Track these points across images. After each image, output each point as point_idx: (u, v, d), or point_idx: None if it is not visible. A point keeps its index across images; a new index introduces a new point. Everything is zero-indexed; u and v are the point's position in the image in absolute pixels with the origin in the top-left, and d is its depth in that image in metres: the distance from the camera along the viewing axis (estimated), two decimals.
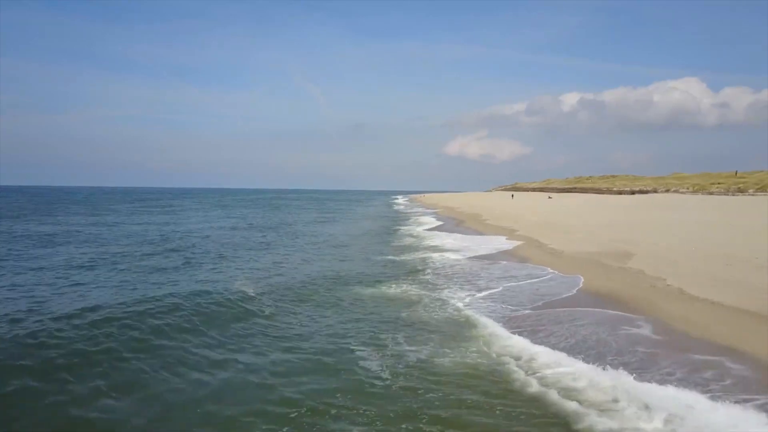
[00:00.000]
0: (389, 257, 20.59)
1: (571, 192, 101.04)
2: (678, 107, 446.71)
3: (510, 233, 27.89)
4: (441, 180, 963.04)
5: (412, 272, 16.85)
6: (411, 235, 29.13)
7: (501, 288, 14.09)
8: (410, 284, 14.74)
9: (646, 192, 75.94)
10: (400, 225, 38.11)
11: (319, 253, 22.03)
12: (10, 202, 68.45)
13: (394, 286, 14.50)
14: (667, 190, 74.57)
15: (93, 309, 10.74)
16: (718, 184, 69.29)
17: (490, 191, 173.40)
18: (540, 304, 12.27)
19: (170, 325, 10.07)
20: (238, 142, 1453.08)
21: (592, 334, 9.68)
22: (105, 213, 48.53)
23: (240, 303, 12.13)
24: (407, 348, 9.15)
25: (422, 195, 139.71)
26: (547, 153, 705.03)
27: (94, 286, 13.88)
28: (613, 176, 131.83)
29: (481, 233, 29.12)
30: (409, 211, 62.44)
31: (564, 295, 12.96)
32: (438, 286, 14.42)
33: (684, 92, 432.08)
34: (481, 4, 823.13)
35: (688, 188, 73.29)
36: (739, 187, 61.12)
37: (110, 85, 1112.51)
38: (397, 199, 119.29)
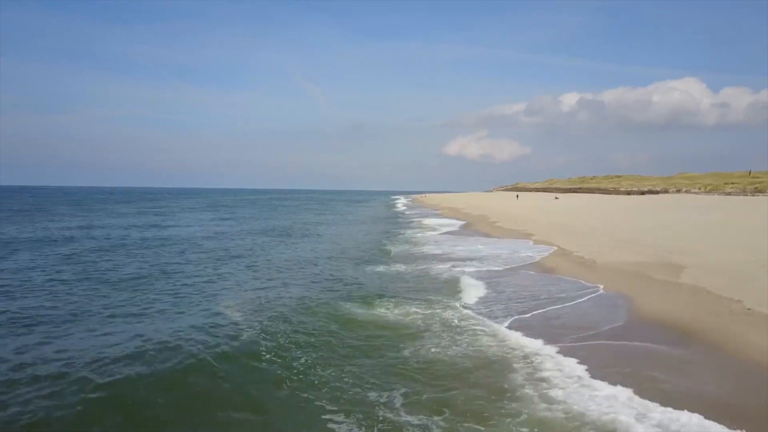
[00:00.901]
0: (395, 267, 17.94)
1: (576, 192, 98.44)
2: (678, 107, 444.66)
3: (526, 238, 25.24)
4: (441, 180, 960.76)
5: (421, 288, 14.20)
6: (415, 242, 26.46)
7: (540, 312, 11.44)
8: (421, 304, 12.07)
9: (656, 192, 73.33)
10: (404, 229, 35.46)
11: (314, 262, 19.37)
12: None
13: (402, 305, 11.84)
14: (678, 191, 71.95)
15: None
16: (732, 184, 66.69)
17: (491, 191, 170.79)
18: (591, 333, 9.64)
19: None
20: (238, 142, 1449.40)
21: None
22: (93, 214, 45.81)
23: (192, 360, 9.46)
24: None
25: (423, 195, 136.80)
26: (547, 153, 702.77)
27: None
28: (618, 176, 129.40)
29: (495, 238, 26.45)
30: (410, 212, 59.77)
31: (617, 323, 10.31)
32: (451, 306, 11.78)
33: (684, 92, 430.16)
34: (481, 5, 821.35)
35: (699, 188, 70.69)
36: (756, 187, 58.47)
37: (110, 85, 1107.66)
38: (398, 199, 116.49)
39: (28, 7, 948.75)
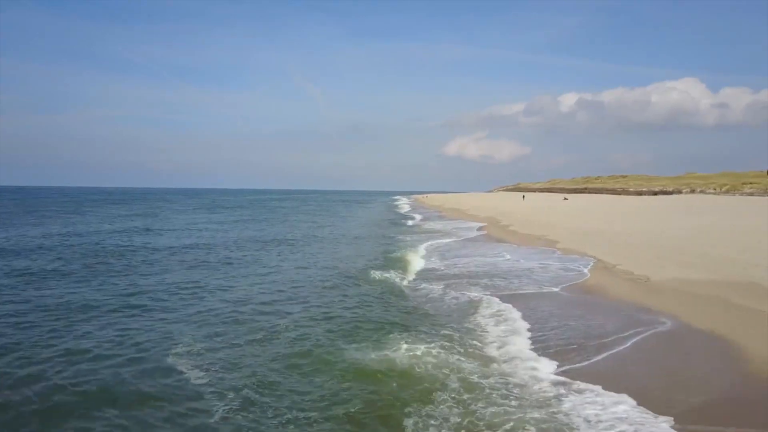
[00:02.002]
0: (403, 286, 14.86)
1: (582, 193, 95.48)
2: (677, 107, 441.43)
3: (550, 245, 22.17)
4: (440, 180, 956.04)
5: (438, 320, 11.12)
6: (426, 254, 23.38)
7: (602, 358, 8.37)
8: (438, 342, 8.97)
9: (668, 192, 70.34)
10: (409, 235, 32.39)
11: (308, 283, 16.28)
12: None
13: (415, 342, 8.74)
14: (692, 191, 68.94)
15: None
16: (751, 184, 63.72)
17: (492, 191, 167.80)
18: (701, 400, 6.57)
19: None
20: (238, 142, 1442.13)
21: None
22: (80, 217, 42.65)
23: None
24: None
25: (425, 196, 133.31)
26: (547, 153, 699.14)
27: None
28: (623, 176, 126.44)
29: (513, 245, 23.37)
30: (415, 214, 56.73)
31: (733, 387, 7.23)
32: (476, 349, 8.70)
33: (683, 92, 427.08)
34: (480, 5, 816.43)
35: (714, 188, 67.72)
36: None
37: (110, 86, 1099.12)
38: (399, 200, 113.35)
39: (27, 8, 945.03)
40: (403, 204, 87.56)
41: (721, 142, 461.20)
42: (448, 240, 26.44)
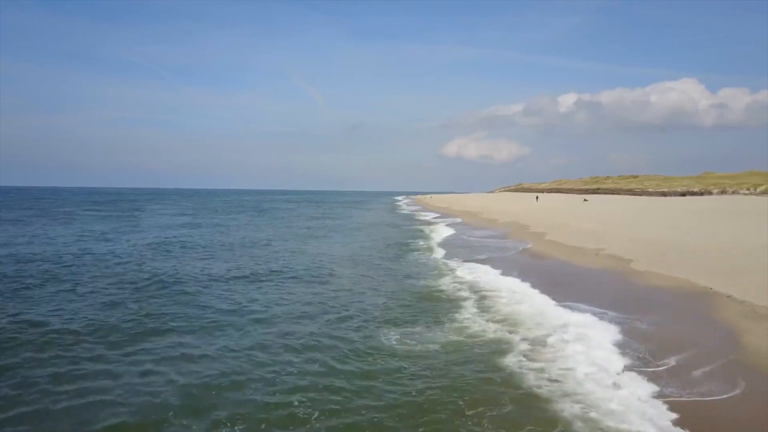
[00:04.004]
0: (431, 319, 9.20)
1: (596, 193, 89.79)
2: (676, 108, 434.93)
3: (621, 264, 16.50)
4: (440, 181, 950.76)
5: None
6: (457, 286, 17.69)
7: None
8: None
9: (697, 193, 64.70)
10: (426, 252, 26.72)
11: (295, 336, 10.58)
12: None
13: None
14: (722, 191, 63.34)
15: None
16: None
17: (494, 192, 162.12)
18: None
19: None
20: (237, 143, 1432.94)
21: None
22: (42, 221, 36.86)
23: None
24: None
25: (430, 196, 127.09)
26: (546, 154, 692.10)
27: None
28: (634, 176, 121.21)
29: (580, 267, 17.69)
30: (424, 218, 51.03)
31: None
32: None
33: (682, 93, 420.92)
34: (479, 5, 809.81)
35: (747, 188, 62.20)
36: None
37: (110, 86, 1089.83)
38: (400, 200, 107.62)
39: (26, 8, 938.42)
40: (410, 207, 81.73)
41: (720, 143, 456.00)
42: (483, 267, 20.61)
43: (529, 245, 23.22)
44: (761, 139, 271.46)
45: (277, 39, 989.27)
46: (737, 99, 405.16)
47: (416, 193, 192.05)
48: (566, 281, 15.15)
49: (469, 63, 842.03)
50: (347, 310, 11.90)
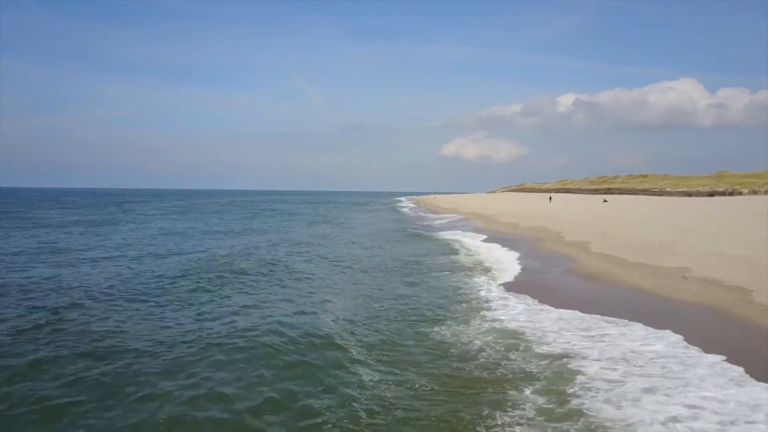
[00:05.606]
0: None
1: (608, 193, 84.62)
2: (674, 108, 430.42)
3: (735, 297, 11.33)
4: (439, 181, 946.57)
5: None
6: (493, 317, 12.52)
7: None
8: None
9: (725, 194, 59.57)
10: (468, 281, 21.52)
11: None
12: None
13: None
14: (754, 192, 58.25)
15: None
16: None
17: (495, 192, 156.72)
18: None
19: None
20: (237, 143, 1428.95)
21: None
22: (22, 225, 31.72)
23: None
24: None
25: (434, 197, 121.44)
26: (545, 154, 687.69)
27: None
28: (644, 175, 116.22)
29: (658, 298, 12.50)
30: (436, 223, 45.92)
31: None
32: None
33: (680, 93, 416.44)
34: (479, 6, 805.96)
35: None
36: None
37: (110, 86, 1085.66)
38: (404, 202, 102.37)
39: (26, 8, 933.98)
40: (419, 211, 76.53)
41: (719, 143, 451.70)
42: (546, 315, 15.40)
43: (577, 261, 18.02)
44: (761, 139, 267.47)
45: (277, 39, 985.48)
46: (736, 99, 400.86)
47: (416, 194, 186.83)
48: (661, 322, 9.95)
49: (469, 63, 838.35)
50: None
